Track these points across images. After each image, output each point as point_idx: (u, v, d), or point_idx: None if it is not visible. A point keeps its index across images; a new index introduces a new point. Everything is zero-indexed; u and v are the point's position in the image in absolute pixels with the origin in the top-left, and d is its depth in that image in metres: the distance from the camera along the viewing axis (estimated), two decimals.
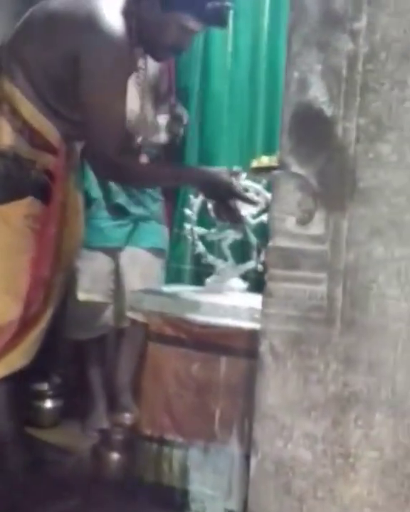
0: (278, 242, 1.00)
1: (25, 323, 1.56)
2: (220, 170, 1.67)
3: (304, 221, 0.98)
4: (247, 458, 1.49)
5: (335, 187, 1.00)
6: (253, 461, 1.03)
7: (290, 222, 1.00)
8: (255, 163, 1.61)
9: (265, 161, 1.56)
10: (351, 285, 1.01)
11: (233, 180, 1.63)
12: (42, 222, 1.57)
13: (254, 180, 1.81)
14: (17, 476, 1.54)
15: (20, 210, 1.55)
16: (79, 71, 1.47)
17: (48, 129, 1.56)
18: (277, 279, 1.00)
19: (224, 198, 1.62)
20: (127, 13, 1.51)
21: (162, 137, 2.21)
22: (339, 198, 1.00)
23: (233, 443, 1.50)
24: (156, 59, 1.71)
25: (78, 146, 1.72)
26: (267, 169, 1.55)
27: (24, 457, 1.60)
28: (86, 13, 1.47)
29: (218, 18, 1.54)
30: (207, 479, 1.51)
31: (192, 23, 1.53)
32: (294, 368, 1.00)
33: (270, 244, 1.00)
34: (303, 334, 1.00)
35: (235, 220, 1.67)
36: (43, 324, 1.62)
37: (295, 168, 1.00)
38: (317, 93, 0.99)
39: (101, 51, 1.45)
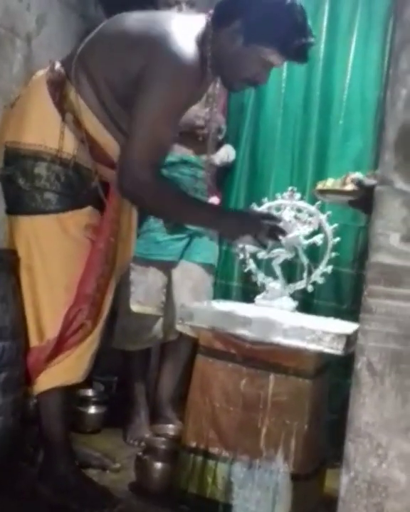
0: (380, 258, 1.01)
1: (65, 340, 1.52)
2: (246, 211, 1.70)
3: (409, 238, 1.00)
4: (292, 476, 1.51)
5: None
6: (344, 479, 1.02)
7: (394, 239, 1.00)
8: (320, 185, 1.64)
9: (329, 183, 1.59)
10: None
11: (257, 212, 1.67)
12: (97, 235, 1.56)
13: (307, 201, 1.86)
14: (64, 481, 1.55)
15: (80, 219, 1.54)
16: (138, 87, 1.45)
17: (109, 142, 1.56)
18: (377, 295, 1.01)
19: (257, 229, 1.57)
20: (204, 40, 1.49)
21: (216, 158, 2.28)
22: None
23: (279, 461, 1.52)
24: (231, 89, 1.71)
25: None
26: (332, 192, 1.58)
27: (71, 462, 1.61)
28: (158, 35, 1.45)
29: (301, 55, 1.52)
30: (251, 495, 1.52)
31: (274, 58, 1.51)
32: (392, 387, 0.99)
33: (372, 260, 1.02)
34: (404, 353, 1.00)
35: (283, 234, 1.62)
36: (90, 342, 1.56)
37: (400, 184, 1.02)
38: None
39: (164, 74, 1.43)
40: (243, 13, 1.47)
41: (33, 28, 2.18)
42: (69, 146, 1.50)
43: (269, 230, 1.57)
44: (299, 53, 1.52)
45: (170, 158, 2.13)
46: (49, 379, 1.54)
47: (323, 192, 1.61)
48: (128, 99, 1.50)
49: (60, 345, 1.53)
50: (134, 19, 1.53)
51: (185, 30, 1.48)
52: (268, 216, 1.64)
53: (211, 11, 1.54)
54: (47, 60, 1.65)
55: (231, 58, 1.51)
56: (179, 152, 2.15)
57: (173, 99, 1.46)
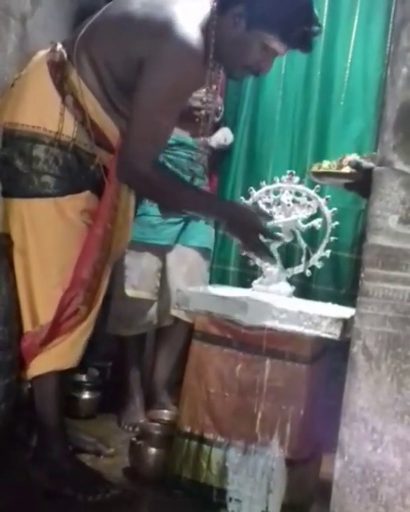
0: (378, 240, 0.98)
1: (59, 325, 1.51)
2: (246, 207, 1.66)
3: (408, 220, 0.97)
4: (287, 462, 1.50)
5: None
6: (339, 463, 1.02)
7: (393, 221, 0.98)
8: (315, 168, 1.60)
9: (325, 165, 1.55)
10: None
11: (259, 217, 1.64)
12: (94, 220, 1.55)
13: (306, 185, 1.83)
14: (58, 465, 1.54)
15: (78, 204, 1.53)
16: (140, 74, 1.44)
17: (109, 126, 1.54)
18: (374, 278, 0.99)
19: (250, 236, 1.61)
20: (208, 26, 1.46)
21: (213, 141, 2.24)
22: None
23: (274, 446, 1.50)
24: (231, 76, 1.68)
25: None
26: (327, 174, 1.54)
27: (65, 447, 1.60)
28: (162, 20, 1.43)
29: (304, 43, 1.49)
30: (246, 480, 1.51)
31: (276, 45, 1.47)
32: (388, 371, 0.98)
33: (369, 242, 0.99)
34: (401, 336, 0.98)
35: (262, 255, 1.66)
36: (84, 328, 1.56)
37: (400, 165, 0.99)
38: None
39: (167, 62, 1.42)
40: None
41: (27, 8, 2.12)
42: (68, 128, 1.49)
43: (258, 248, 1.61)
44: (301, 41, 1.48)
45: None
46: (43, 364, 1.53)
47: (319, 174, 1.58)
48: (129, 84, 1.49)
49: (54, 330, 1.51)
50: (139, 2, 1.50)
51: (190, 16, 1.45)
52: (268, 233, 1.63)
53: None
54: (42, 40, 1.62)
55: (232, 43, 1.48)
56: (175, 134, 2.11)
57: (175, 88, 1.45)
